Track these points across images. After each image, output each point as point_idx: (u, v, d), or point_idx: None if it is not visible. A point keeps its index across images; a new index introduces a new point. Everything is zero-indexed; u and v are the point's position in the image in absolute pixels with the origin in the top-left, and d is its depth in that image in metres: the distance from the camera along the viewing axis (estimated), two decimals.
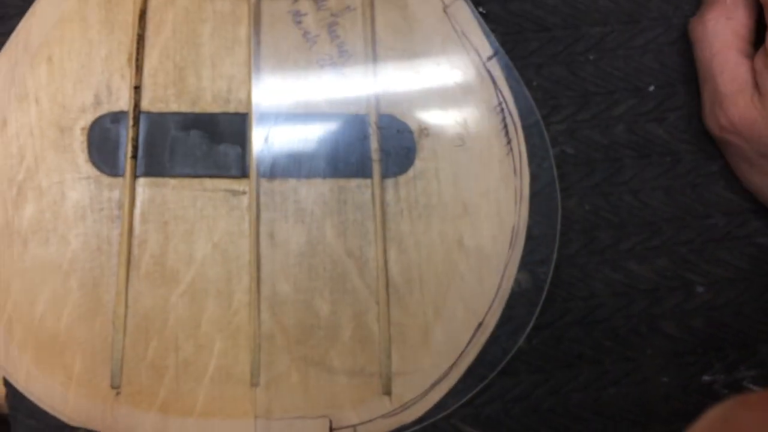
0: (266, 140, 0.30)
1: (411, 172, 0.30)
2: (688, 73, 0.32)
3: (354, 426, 0.30)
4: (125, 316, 0.29)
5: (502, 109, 0.30)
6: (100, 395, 0.29)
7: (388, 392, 0.30)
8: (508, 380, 0.30)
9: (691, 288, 0.31)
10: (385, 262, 0.30)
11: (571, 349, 0.31)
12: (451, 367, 0.30)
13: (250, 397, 0.29)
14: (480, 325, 0.30)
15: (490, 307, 0.30)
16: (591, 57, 0.32)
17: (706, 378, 0.31)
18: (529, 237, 0.30)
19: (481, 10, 0.31)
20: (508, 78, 0.30)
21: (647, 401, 0.31)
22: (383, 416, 0.29)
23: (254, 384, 0.30)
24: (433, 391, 0.30)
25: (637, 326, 0.31)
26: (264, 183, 0.30)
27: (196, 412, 0.29)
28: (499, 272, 0.30)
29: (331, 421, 0.29)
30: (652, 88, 0.32)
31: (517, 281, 0.30)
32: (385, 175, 0.30)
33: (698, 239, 0.32)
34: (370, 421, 0.30)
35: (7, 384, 0.30)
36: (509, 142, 0.30)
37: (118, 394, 0.29)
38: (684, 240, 0.31)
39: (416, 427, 0.30)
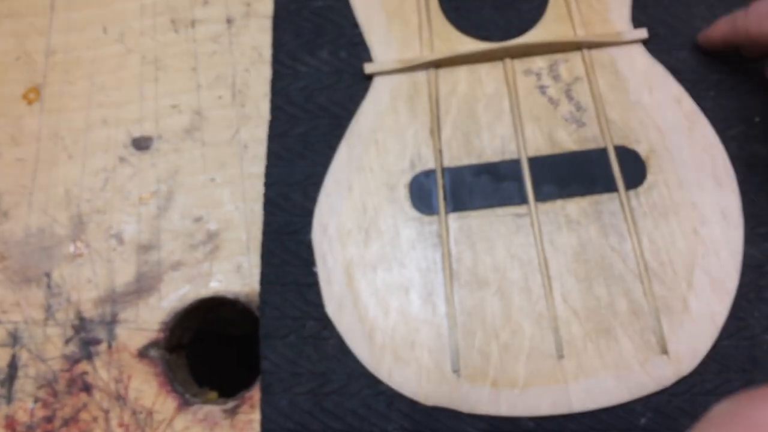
0: (535, 175, 0.40)
1: (646, 184, 0.40)
2: None
3: None
4: (455, 315, 0.39)
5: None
6: (446, 378, 0.38)
7: (665, 351, 0.38)
8: None
9: None
10: (641, 251, 0.39)
11: None
12: (711, 325, 0.38)
13: (559, 367, 0.38)
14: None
15: (729, 276, 0.39)
16: (711, 94, 0.42)
17: None
18: (747, 215, 0.39)
19: None
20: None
21: (754, 354, 0.38)
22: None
23: (560, 356, 0.38)
24: (701, 345, 0.38)
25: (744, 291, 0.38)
26: (539, 205, 0.40)
27: (520, 384, 0.38)
28: (729, 248, 0.39)
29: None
30: (757, 119, 0.42)
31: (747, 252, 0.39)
32: (627, 188, 0.40)
33: None
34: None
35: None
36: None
37: (458, 376, 0.38)
38: None
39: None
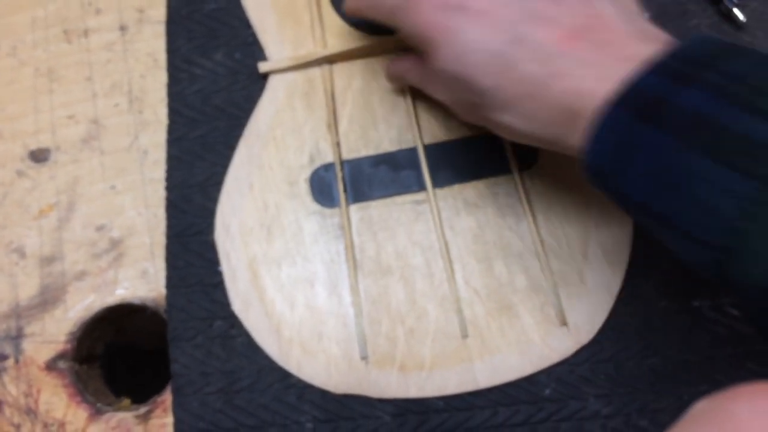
0: (432, 162, 0.41)
1: (539, 164, 0.41)
2: None
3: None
4: (360, 304, 0.39)
5: None
6: (354, 366, 0.38)
7: (564, 324, 0.39)
8: None
9: None
10: (537, 228, 0.40)
11: None
12: (607, 294, 0.39)
13: (464, 347, 0.39)
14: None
15: (621, 246, 0.40)
16: None
17: (695, 303, 0.40)
18: None
19: None
20: None
21: (650, 320, 0.40)
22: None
23: (464, 336, 0.39)
24: (598, 315, 0.39)
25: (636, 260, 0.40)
26: (438, 191, 0.41)
27: (427, 366, 0.39)
28: (619, 219, 0.41)
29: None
30: None
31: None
32: (521, 169, 0.41)
33: None
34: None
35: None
36: None
37: (366, 363, 0.39)
38: None
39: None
